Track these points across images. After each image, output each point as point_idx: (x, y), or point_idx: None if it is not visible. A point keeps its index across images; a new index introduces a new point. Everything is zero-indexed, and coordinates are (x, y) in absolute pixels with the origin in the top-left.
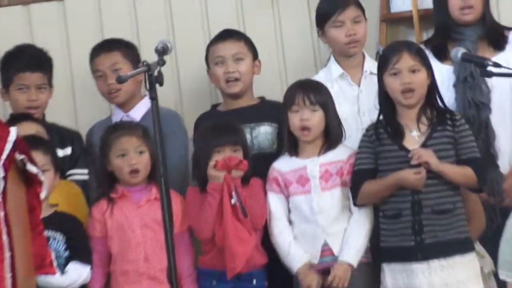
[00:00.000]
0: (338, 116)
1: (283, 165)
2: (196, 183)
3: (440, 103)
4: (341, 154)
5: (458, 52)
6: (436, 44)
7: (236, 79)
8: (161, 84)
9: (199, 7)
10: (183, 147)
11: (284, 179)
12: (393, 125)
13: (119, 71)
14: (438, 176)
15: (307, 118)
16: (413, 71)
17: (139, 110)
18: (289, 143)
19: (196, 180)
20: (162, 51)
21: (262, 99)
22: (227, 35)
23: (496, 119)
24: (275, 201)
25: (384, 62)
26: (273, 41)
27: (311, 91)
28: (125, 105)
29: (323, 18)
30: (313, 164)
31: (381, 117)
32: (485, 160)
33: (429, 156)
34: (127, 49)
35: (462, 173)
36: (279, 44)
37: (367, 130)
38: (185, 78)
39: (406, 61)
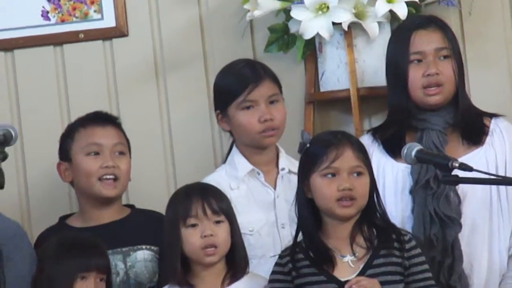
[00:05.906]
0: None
1: None
2: None
3: (380, 218)
4: (254, 286)
5: (412, 149)
6: (390, 135)
7: (115, 178)
8: (1, 187)
9: (55, 81)
10: (29, 276)
11: None
12: (317, 247)
13: None
14: None
15: (211, 233)
16: (356, 174)
17: None
18: (175, 271)
19: None
20: (3, 141)
21: (132, 208)
22: (106, 120)
23: (468, 240)
24: None
25: (314, 157)
26: (157, 128)
27: (212, 197)
28: None
29: (225, 97)
30: None
31: (300, 236)
32: None
33: (374, 286)
34: None
35: None
36: (165, 134)
37: (280, 256)
38: (35, 177)
39: (349, 159)
